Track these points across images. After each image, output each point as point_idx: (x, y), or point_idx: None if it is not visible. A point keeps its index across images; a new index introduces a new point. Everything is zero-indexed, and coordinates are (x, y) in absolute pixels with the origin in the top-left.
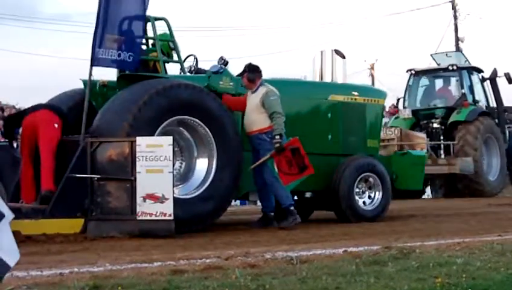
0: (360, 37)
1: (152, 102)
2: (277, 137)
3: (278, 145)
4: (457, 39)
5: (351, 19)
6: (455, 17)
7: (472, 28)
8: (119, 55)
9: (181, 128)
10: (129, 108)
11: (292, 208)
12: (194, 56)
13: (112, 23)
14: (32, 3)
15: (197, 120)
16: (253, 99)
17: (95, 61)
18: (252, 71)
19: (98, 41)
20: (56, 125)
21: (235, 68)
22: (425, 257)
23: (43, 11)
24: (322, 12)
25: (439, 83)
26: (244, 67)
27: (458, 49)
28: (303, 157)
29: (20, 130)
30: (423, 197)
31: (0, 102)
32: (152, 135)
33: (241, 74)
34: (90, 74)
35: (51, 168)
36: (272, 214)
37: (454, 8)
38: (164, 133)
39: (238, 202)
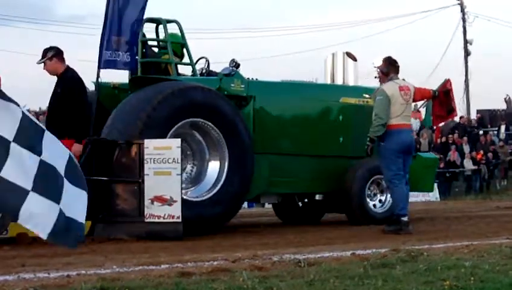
0: (369, 40)
1: (166, 103)
2: (367, 142)
3: (366, 148)
4: (465, 41)
5: (361, 21)
6: (464, 20)
7: (481, 30)
8: (127, 56)
9: (193, 130)
10: (143, 108)
11: (404, 219)
12: (206, 58)
13: (120, 25)
14: (44, 5)
15: (209, 123)
16: None
17: (102, 64)
18: (385, 62)
19: (106, 43)
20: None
21: (247, 71)
22: (433, 260)
23: (55, 13)
24: (334, 15)
25: None
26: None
27: (466, 51)
28: (451, 100)
29: None
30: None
31: None
32: (165, 136)
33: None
34: (98, 76)
35: None
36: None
37: (462, 10)
38: (176, 136)
39: (245, 204)
